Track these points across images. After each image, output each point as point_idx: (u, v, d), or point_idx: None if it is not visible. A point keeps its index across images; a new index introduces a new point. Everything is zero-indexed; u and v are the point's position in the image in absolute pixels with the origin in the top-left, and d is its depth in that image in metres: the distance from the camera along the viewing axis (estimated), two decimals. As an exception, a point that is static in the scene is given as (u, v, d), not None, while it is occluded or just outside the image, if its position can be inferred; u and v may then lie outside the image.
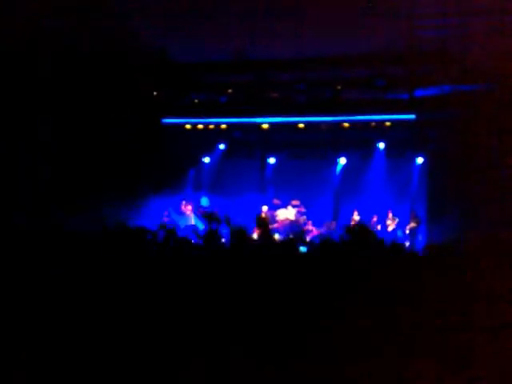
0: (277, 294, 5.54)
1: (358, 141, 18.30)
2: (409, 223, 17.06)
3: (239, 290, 5.53)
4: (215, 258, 6.38)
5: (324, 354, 5.08)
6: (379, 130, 17.70)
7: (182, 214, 17.99)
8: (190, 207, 18.14)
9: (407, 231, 16.94)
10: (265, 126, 18.14)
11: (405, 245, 8.89)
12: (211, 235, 7.48)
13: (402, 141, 18.03)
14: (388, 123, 17.48)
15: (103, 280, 5.94)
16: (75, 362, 5.22)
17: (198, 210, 17.81)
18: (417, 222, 16.99)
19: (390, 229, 17.11)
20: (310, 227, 17.46)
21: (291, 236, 15.60)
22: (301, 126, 17.86)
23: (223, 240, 9.99)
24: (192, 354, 5.23)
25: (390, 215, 17.40)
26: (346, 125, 17.79)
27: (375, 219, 17.44)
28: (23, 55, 13.86)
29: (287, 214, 17.66)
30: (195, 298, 5.57)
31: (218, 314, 5.44)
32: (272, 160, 19.14)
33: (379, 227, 17.25)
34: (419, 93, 16.34)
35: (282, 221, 17.50)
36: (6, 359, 4.93)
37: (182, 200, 18.20)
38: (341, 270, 5.70)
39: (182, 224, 16.58)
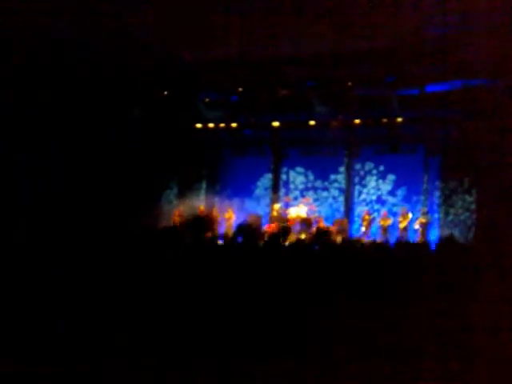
0: (278, 293, 5.55)
1: (370, 137, 18.24)
2: (418, 219, 17.02)
3: (239, 289, 5.55)
4: (218, 256, 6.40)
5: (324, 354, 5.08)
6: (391, 127, 17.64)
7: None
8: (203, 208, 18.19)
9: (416, 226, 16.90)
10: (275, 123, 18.14)
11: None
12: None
13: (414, 137, 17.93)
14: (399, 119, 17.41)
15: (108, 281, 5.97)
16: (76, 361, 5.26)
17: None
18: (427, 219, 16.96)
19: (401, 226, 17.06)
20: (321, 225, 17.42)
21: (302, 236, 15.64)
22: (312, 123, 17.85)
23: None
24: (192, 354, 5.25)
25: (403, 212, 17.33)
26: (358, 121, 17.77)
27: (385, 215, 17.39)
28: (38, 63, 13.96)
29: (299, 211, 17.63)
30: (195, 297, 5.59)
31: (219, 313, 5.46)
32: (283, 158, 19.14)
33: (390, 221, 17.20)
34: (430, 89, 16.27)
35: (294, 219, 17.47)
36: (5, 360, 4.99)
37: (198, 202, 18.28)
38: (341, 270, 5.71)
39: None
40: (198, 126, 18.45)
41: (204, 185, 19.07)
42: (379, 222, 17.45)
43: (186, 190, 18.48)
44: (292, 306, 5.42)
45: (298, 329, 5.25)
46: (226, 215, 17.98)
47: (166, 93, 17.53)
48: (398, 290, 5.26)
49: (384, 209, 17.79)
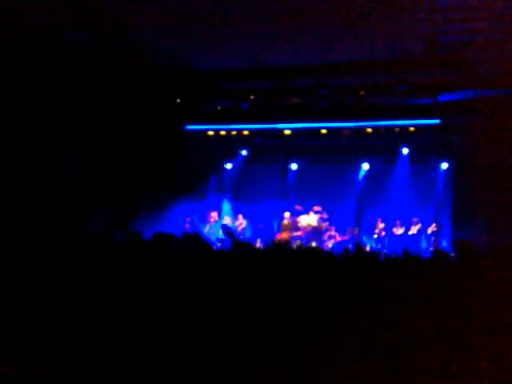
0: (278, 293, 5.53)
1: (382, 146, 18.19)
2: (430, 227, 17.00)
3: (239, 290, 5.53)
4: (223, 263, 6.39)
5: (324, 354, 5.05)
6: (403, 136, 17.60)
7: (205, 222, 18.07)
8: (215, 215, 18.18)
9: (429, 232, 16.90)
10: (287, 131, 18.13)
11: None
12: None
13: (426, 146, 17.90)
14: (412, 128, 17.36)
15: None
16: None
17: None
18: (438, 227, 16.92)
19: (410, 233, 17.06)
20: (332, 233, 17.38)
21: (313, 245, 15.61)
22: (323, 131, 17.83)
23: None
24: (192, 354, 5.24)
25: (415, 221, 17.31)
26: (369, 130, 17.72)
27: (398, 224, 17.35)
28: (50, 66, 14.05)
29: (309, 220, 17.60)
30: (196, 298, 5.58)
31: (219, 313, 5.45)
32: (294, 166, 19.11)
33: (401, 231, 17.18)
34: (443, 98, 16.22)
35: (304, 227, 17.44)
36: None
37: (208, 209, 18.27)
38: (343, 273, 5.69)
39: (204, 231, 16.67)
40: (210, 133, 18.48)
41: (214, 192, 19.07)
42: (392, 230, 17.43)
43: (195, 197, 18.48)
44: (292, 307, 5.40)
45: (297, 329, 5.23)
46: (237, 222, 18.00)
47: (178, 100, 17.62)
48: (398, 290, 5.23)
49: (397, 219, 17.71)
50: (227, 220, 17.94)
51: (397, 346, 4.90)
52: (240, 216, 18.11)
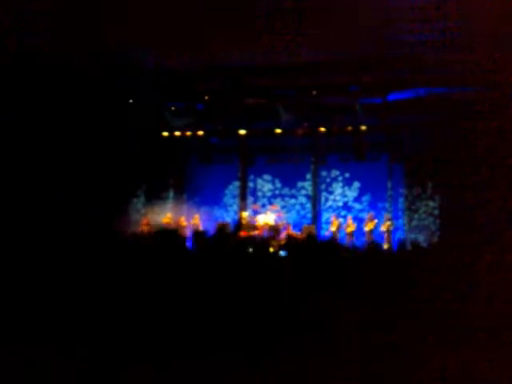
0: (278, 293, 5.60)
1: (335, 145, 18.47)
2: (383, 223, 17.29)
3: (237, 290, 5.58)
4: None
5: (324, 353, 5.13)
6: (355, 134, 17.86)
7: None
8: (170, 216, 18.11)
9: (383, 229, 17.18)
10: (242, 131, 18.23)
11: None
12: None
13: (378, 144, 18.18)
14: (363, 127, 17.65)
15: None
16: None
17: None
18: (390, 224, 17.24)
19: (367, 230, 17.31)
20: (289, 231, 17.51)
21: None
22: (278, 131, 18.00)
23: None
24: (192, 354, 5.27)
25: (369, 216, 17.55)
26: (323, 129, 17.99)
27: (350, 220, 17.61)
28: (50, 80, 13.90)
29: (267, 219, 17.71)
30: (194, 298, 5.62)
31: (218, 314, 5.49)
32: (250, 165, 19.19)
33: (354, 227, 17.43)
34: (393, 97, 16.51)
35: (262, 226, 17.53)
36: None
37: (165, 210, 18.22)
38: (340, 272, 5.78)
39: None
40: (165, 134, 18.43)
41: (171, 193, 19.02)
42: (344, 228, 17.65)
43: (153, 198, 18.41)
44: (292, 307, 5.47)
45: (297, 329, 5.30)
46: (192, 221, 17.98)
47: (131, 100, 17.46)
48: (397, 291, 5.34)
49: (350, 215, 17.98)
50: (168, 218, 17.88)
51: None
52: (196, 215, 18.11)
